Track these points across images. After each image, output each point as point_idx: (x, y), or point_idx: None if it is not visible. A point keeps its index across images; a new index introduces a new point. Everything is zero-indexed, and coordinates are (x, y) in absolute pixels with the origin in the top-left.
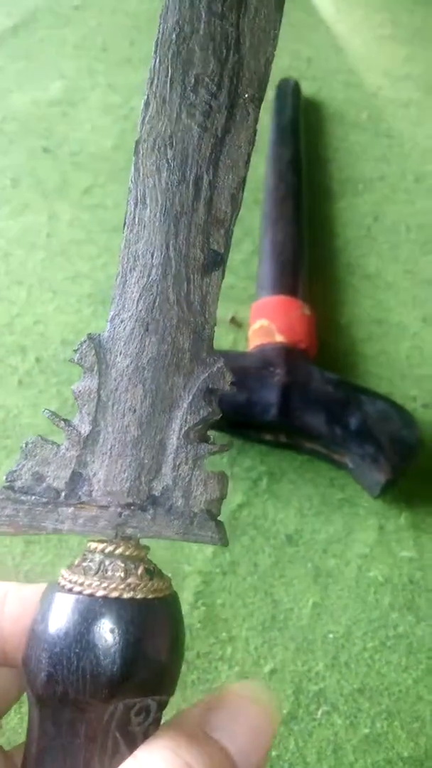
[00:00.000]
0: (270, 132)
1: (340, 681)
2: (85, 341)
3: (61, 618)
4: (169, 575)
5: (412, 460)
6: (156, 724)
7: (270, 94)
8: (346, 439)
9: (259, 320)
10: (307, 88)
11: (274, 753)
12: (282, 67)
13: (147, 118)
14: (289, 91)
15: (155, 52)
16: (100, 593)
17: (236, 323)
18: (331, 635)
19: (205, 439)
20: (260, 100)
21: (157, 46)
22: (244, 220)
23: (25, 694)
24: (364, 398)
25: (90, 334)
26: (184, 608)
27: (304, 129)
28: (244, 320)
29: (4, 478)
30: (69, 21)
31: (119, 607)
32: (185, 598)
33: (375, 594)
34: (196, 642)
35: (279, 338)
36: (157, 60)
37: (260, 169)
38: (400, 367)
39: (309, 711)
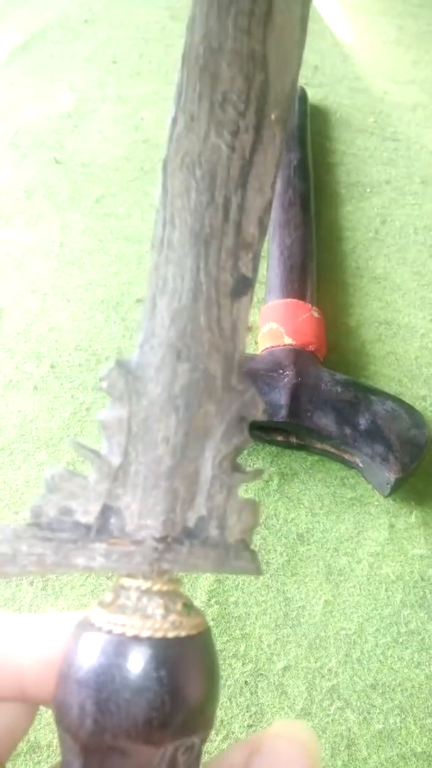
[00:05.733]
0: None
1: (352, 677)
2: (113, 368)
3: (103, 662)
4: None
5: (422, 458)
6: (198, 760)
7: None
8: (356, 439)
9: (269, 323)
10: (314, 95)
11: None
12: None
13: (175, 136)
14: (297, 98)
15: (182, 65)
16: (144, 634)
17: None
18: (343, 632)
19: (237, 467)
20: (285, 121)
21: (184, 59)
22: None
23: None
24: (374, 398)
25: (118, 360)
26: (197, 606)
27: (311, 135)
28: (253, 324)
29: (29, 513)
30: (79, 35)
31: (166, 647)
32: (198, 597)
33: (386, 591)
34: None
35: (288, 341)
36: (185, 74)
37: None
38: (410, 367)
39: (322, 707)
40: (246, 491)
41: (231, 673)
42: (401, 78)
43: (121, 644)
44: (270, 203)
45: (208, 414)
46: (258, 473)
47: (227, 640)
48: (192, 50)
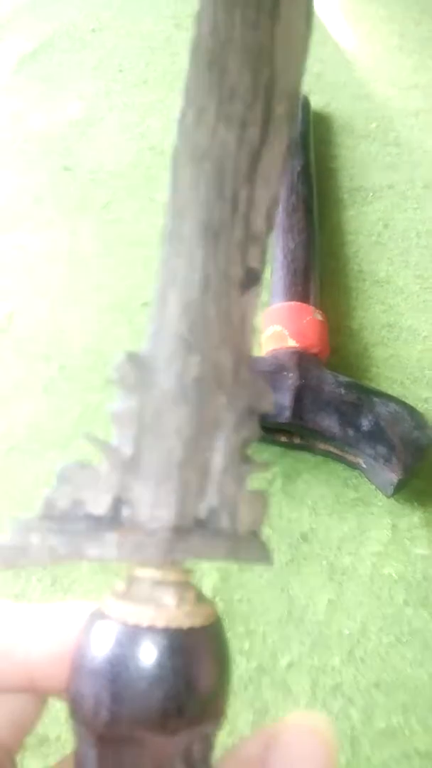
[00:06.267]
0: None
1: (356, 675)
2: (124, 360)
3: (118, 652)
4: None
5: (425, 459)
6: (212, 749)
7: None
8: (359, 440)
9: (272, 326)
10: (316, 102)
11: None
12: None
13: (184, 128)
14: (300, 102)
15: (191, 58)
16: (159, 624)
17: None
18: (346, 631)
19: (247, 459)
20: (292, 116)
21: (192, 52)
22: None
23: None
24: (377, 400)
25: (129, 352)
26: None
27: (314, 141)
28: (257, 326)
29: (40, 505)
30: (86, 44)
31: (181, 636)
32: None
33: (389, 591)
34: None
35: (291, 343)
36: (194, 67)
37: None
38: (412, 369)
39: (326, 705)
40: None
41: (235, 669)
42: (403, 84)
43: (136, 634)
44: (278, 196)
45: (219, 406)
46: (266, 465)
47: (231, 637)
48: (200, 43)
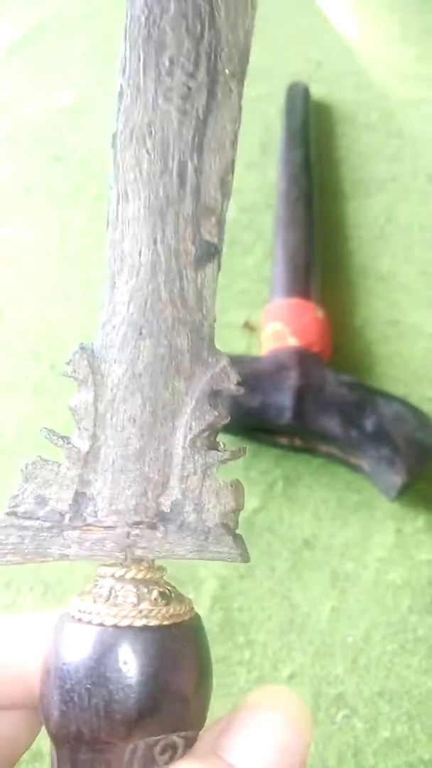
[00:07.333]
0: (281, 135)
1: (359, 684)
2: (76, 352)
3: (71, 650)
4: (190, 597)
5: (429, 461)
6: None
7: (280, 98)
8: (362, 442)
9: (272, 324)
10: (317, 91)
11: None
12: (291, 70)
13: (122, 109)
14: (299, 94)
15: (125, 38)
16: (109, 622)
17: (249, 327)
18: (350, 639)
19: (213, 446)
20: (242, 74)
21: (126, 31)
22: (256, 223)
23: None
24: (380, 400)
25: (81, 343)
26: (201, 612)
27: (315, 131)
28: (257, 324)
29: (7, 503)
30: (78, 30)
31: (131, 636)
32: (202, 603)
33: (394, 597)
34: (213, 646)
35: (292, 341)
36: (127, 46)
37: (272, 173)
38: (416, 368)
39: (329, 715)
40: (248, 493)
41: (235, 680)
42: (406, 73)
43: (87, 633)
44: (232, 162)
45: (176, 391)
46: (238, 452)
47: (231, 647)
48: (133, 21)
